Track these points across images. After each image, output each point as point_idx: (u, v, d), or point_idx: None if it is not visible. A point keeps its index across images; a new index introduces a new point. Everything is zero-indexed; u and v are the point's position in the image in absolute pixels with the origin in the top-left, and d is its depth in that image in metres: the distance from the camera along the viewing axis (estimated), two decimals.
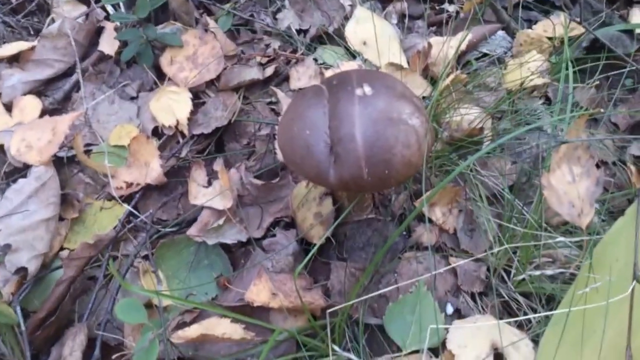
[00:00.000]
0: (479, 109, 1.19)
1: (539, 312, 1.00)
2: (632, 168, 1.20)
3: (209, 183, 1.23)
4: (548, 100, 1.33)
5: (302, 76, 1.33)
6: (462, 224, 1.13)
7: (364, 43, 1.29)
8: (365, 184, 0.84)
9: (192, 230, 1.11)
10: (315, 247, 0.91)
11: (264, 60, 1.35)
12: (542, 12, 1.52)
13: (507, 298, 1.04)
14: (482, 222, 1.13)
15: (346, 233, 1.12)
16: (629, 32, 1.30)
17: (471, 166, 1.17)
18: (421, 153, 0.86)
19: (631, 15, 1.35)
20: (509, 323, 0.98)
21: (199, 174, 1.21)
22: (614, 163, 1.25)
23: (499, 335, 0.93)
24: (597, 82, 1.20)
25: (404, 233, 1.12)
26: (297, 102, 0.90)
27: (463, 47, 1.30)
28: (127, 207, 1.19)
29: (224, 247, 1.13)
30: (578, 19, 1.22)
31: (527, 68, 1.23)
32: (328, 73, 1.27)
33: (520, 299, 1.04)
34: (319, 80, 1.30)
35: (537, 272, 0.93)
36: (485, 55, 1.36)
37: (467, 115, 1.14)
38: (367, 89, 0.84)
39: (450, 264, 1.07)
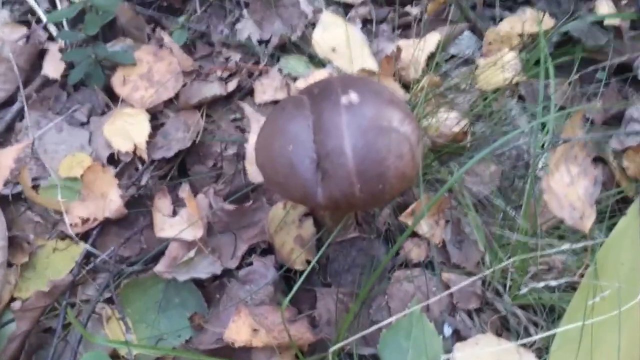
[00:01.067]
0: (456, 113, 1.12)
1: (542, 326, 0.93)
2: (615, 164, 1.15)
3: (175, 212, 1.11)
4: (521, 99, 1.27)
5: (268, 89, 1.23)
6: (451, 236, 1.05)
7: (333, 50, 1.20)
8: (358, 202, 0.75)
9: (159, 267, 0.99)
10: (304, 275, 0.81)
11: (225, 74, 1.25)
12: (505, 9, 1.46)
13: (505, 312, 0.96)
14: (470, 232, 1.05)
15: (329, 255, 1.03)
16: (600, 24, 1.25)
17: (454, 172, 1.09)
18: (415, 163, 0.78)
19: (597, 7, 1.30)
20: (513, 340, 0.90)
21: (163, 203, 1.10)
22: (594, 160, 1.20)
23: (504, 356, 0.85)
24: (575, 77, 1.14)
25: (391, 250, 1.03)
26: (276, 116, 0.81)
27: (432, 48, 1.23)
28: (84, 246, 1.06)
29: (196, 282, 1.02)
30: (547, 12, 1.17)
31: (501, 67, 1.16)
32: (298, 84, 1.17)
33: (519, 311, 0.96)
34: (285, 93, 1.20)
35: (540, 284, 0.85)
36: (453, 56, 1.29)
37: (445, 120, 1.06)
38: (353, 97, 0.75)
39: (442, 281, 0.99)
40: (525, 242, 0.98)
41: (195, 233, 1.03)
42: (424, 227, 1.05)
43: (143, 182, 1.17)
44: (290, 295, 0.78)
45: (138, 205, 1.14)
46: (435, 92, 1.08)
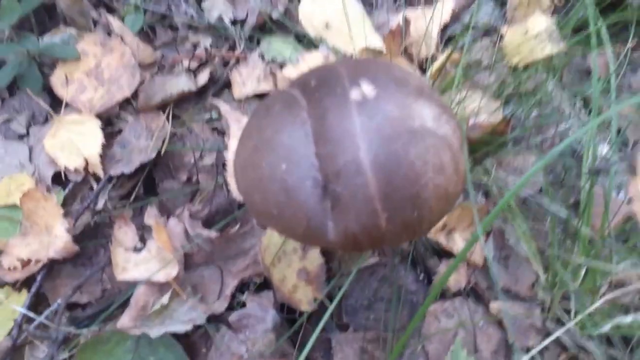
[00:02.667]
0: (485, 96, 0.90)
1: None
2: None
3: (142, 241, 0.88)
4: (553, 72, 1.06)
5: (248, 80, 1.00)
6: (494, 252, 0.83)
7: (326, 25, 0.97)
8: (384, 236, 0.54)
9: (124, 321, 0.77)
10: (320, 323, 0.59)
11: (194, 64, 1.01)
12: None
13: (572, 349, 0.75)
14: (516, 244, 0.84)
15: (343, 288, 0.81)
16: None
17: (491, 170, 0.88)
18: (460, 176, 0.56)
19: None
20: None
21: (124, 233, 0.87)
22: None
23: None
24: (631, 45, 0.93)
25: (421, 276, 0.82)
26: (260, 121, 0.59)
27: (447, 18, 1.01)
28: (26, 297, 0.82)
29: (176, 333, 0.79)
30: None
31: (533, 36, 0.95)
32: (287, 72, 0.94)
33: (589, 344, 0.76)
34: (270, 84, 0.97)
35: (627, 318, 0.65)
36: (469, 28, 1.07)
37: (478, 108, 0.85)
38: (368, 89, 0.54)
39: (491, 312, 0.78)
40: (593, 253, 0.77)
41: (168, 271, 0.80)
42: (458, 244, 0.84)
43: (99, 206, 0.94)
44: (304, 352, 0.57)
45: (95, 235, 0.92)
46: (457, 73, 0.86)
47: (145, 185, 0.97)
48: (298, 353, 0.80)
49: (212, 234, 0.84)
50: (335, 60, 0.64)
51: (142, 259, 0.83)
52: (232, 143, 0.89)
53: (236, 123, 0.89)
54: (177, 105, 1.02)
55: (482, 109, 0.88)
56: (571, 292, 0.80)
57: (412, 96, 0.56)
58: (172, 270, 0.81)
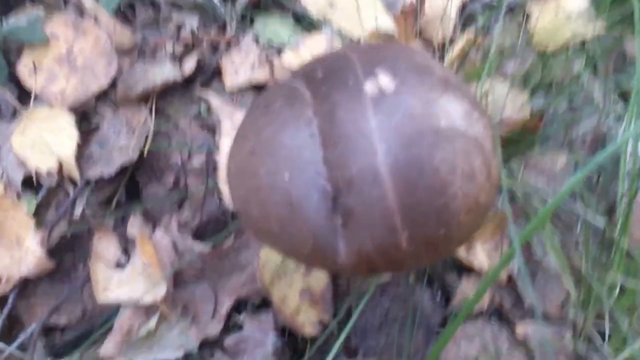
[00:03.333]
0: (512, 87, 0.80)
1: None
2: None
3: (126, 254, 0.79)
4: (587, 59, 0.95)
5: (241, 67, 0.90)
6: (519, 266, 0.75)
7: (331, 4, 0.85)
8: (405, 258, 0.48)
9: (107, 349, 0.71)
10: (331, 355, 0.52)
11: (179, 49, 0.90)
12: None
13: None
14: (544, 257, 0.76)
15: (351, 309, 0.72)
16: None
17: (518, 172, 0.79)
18: (492, 183, 0.49)
19: None
20: None
21: (105, 246, 0.79)
22: None
23: None
24: None
25: (438, 296, 0.73)
26: (258, 120, 0.51)
27: None
28: None
29: None
30: None
31: (565, 16, 0.84)
32: (286, 59, 0.84)
33: None
34: (267, 72, 0.87)
35: None
36: (491, 7, 0.96)
37: (506, 100, 0.75)
38: (385, 80, 0.46)
39: (516, 336, 0.70)
40: (632, 268, 0.69)
41: (155, 292, 0.72)
42: (480, 258, 0.76)
43: (77, 214, 0.85)
44: None
45: (73, 248, 0.84)
46: (488, 59, 0.76)
47: (128, 189, 0.89)
48: None
49: (204, 248, 0.75)
50: (343, 45, 0.54)
51: (126, 277, 0.75)
52: (224, 142, 0.80)
53: (229, 119, 0.80)
54: (161, 97, 0.93)
55: (507, 103, 0.78)
56: (605, 311, 0.72)
57: (438, 89, 0.48)
58: (160, 291, 0.74)
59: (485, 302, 0.75)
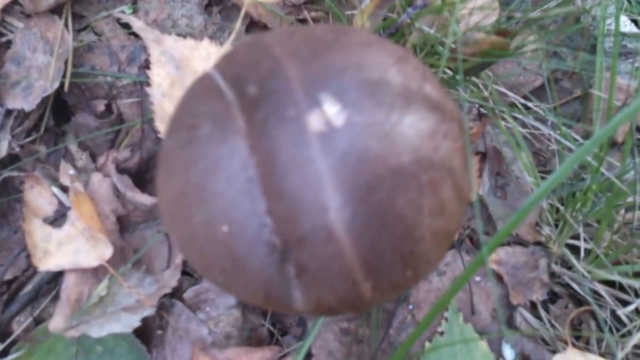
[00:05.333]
0: None
1: None
2: None
3: (64, 190, 0.73)
4: None
5: None
6: (489, 180, 0.70)
7: None
8: (369, 303, 0.41)
9: (56, 323, 0.66)
10: None
11: None
12: None
13: (588, 298, 0.68)
14: (513, 163, 0.71)
15: None
16: None
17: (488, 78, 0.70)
18: (463, 204, 0.43)
19: None
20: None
21: (37, 196, 0.71)
22: None
23: None
24: None
25: None
26: (184, 150, 0.43)
27: None
28: None
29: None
30: None
31: None
32: None
33: (603, 291, 0.68)
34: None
35: None
36: None
37: (472, 11, 0.64)
38: (333, 110, 0.37)
39: (489, 265, 0.68)
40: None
41: (100, 252, 0.67)
42: None
43: (3, 150, 0.76)
44: None
45: (6, 188, 0.76)
46: None
47: (55, 112, 0.77)
48: (271, 326, 0.70)
49: (149, 199, 0.68)
50: (276, 37, 0.42)
51: (66, 237, 0.69)
52: (155, 73, 0.68)
53: (156, 45, 0.67)
54: (78, 1, 0.76)
55: (482, 15, 0.66)
56: (579, 223, 0.69)
57: (397, 109, 0.39)
58: (106, 250, 0.67)
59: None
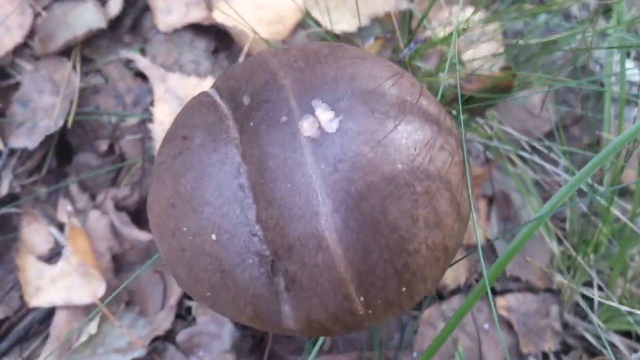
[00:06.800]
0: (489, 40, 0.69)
1: None
2: None
3: (60, 229, 0.72)
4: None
5: (174, 5, 0.76)
6: (497, 225, 0.68)
7: None
8: (362, 322, 0.40)
9: None
10: None
11: None
12: None
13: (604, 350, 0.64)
14: (522, 207, 0.69)
15: None
16: None
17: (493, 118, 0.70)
18: (463, 221, 0.41)
19: None
20: None
21: (34, 234, 0.70)
22: None
23: None
24: None
25: None
26: (176, 160, 0.41)
27: None
28: None
29: None
30: None
31: None
32: (222, 5, 0.71)
33: (619, 342, 0.64)
34: (203, 11, 0.73)
35: None
36: None
37: (475, 53, 0.64)
38: (326, 117, 0.35)
39: (498, 312, 0.65)
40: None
41: (93, 289, 0.65)
42: None
43: (4, 188, 0.76)
44: None
45: (3, 226, 0.75)
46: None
47: (58, 153, 0.78)
48: None
49: (146, 236, 0.67)
50: (272, 55, 0.42)
51: (60, 273, 0.67)
52: (159, 109, 0.69)
53: (161, 83, 0.69)
54: (87, 44, 0.79)
55: (487, 57, 0.66)
56: (592, 269, 0.65)
57: (391, 119, 0.38)
58: (99, 288, 0.66)
59: (462, 276, 0.69)
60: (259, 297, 0.39)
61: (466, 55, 0.70)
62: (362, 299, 0.38)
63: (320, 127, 0.36)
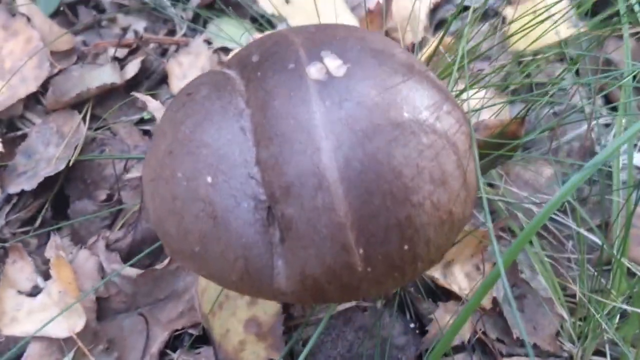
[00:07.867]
0: (488, 90, 0.73)
1: None
2: None
3: (46, 277, 0.69)
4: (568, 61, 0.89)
5: (190, 71, 0.82)
6: (504, 290, 0.66)
7: (287, 1, 0.78)
8: (361, 282, 0.38)
9: None
10: None
11: (122, 52, 0.82)
12: None
13: None
14: (532, 279, 0.67)
15: (309, 344, 0.62)
16: None
17: (499, 182, 0.70)
18: (469, 192, 0.39)
19: None
20: None
21: (18, 270, 0.67)
22: None
23: None
24: None
25: (412, 325, 0.63)
26: (177, 113, 0.40)
27: None
28: None
29: None
30: None
31: (546, 16, 0.78)
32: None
33: None
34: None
35: None
36: (465, 9, 0.90)
37: (482, 104, 0.68)
38: (334, 64, 0.36)
39: None
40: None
41: (71, 323, 0.61)
42: (459, 279, 0.66)
43: None
44: None
45: None
46: (458, 56, 0.69)
47: (55, 206, 0.77)
48: None
49: (132, 271, 0.64)
50: (286, 28, 0.46)
51: (39, 306, 0.64)
52: None
53: None
54: (100, 103, 0.83)
55: (485, 106, 0.71)
56: (606, 343, 0.62)
57: (399, 74, 0.39)
58: (78, 321, 0.61)
59: (467, 332, 0.65)
60: (251, 249, 0.36)
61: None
62: (361, 251, 0.35)
63: (327, 72, 0.37)
